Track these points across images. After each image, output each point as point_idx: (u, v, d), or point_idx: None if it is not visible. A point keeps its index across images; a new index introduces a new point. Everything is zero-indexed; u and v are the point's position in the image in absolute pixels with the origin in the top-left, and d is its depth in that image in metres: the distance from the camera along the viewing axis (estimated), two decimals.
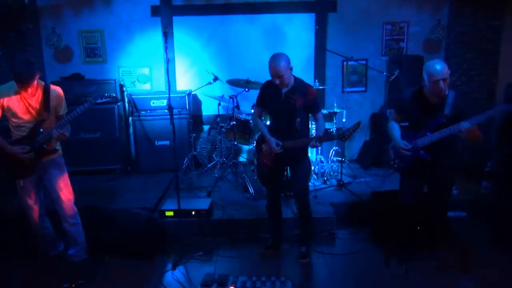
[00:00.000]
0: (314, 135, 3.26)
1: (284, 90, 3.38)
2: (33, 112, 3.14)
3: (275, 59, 3.27)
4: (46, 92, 3.16)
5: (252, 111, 4.89)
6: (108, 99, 3.29)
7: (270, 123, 3.67)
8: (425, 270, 3.41)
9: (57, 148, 3.31)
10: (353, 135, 3.22)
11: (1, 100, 3.08)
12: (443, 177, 3.30)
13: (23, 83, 2.99)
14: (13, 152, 3.11)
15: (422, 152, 3.16)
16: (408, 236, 3.47)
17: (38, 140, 3.15)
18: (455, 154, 3.27)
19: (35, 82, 3.07)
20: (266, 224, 3.94)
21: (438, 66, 2.99)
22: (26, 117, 3.13)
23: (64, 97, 3.29)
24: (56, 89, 3.22)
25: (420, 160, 3.19)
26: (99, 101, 3.23)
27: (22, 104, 3.11)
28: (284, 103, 3.36)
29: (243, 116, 4.97)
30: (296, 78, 3.41)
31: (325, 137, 3.49)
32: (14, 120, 3.14)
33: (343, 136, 3.24)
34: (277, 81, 3.30)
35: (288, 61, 3.29)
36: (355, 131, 3.20)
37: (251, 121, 4.81)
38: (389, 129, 3.47)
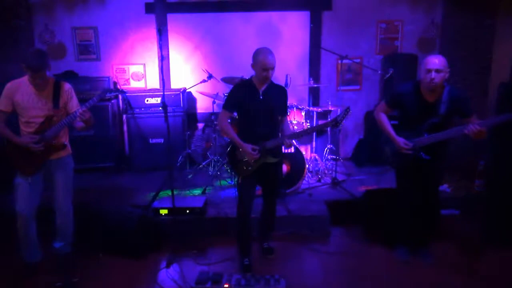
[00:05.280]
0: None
1: (261, 89, 3.23)
2: (43, 107, 3.12)
3: (268, 51, 3.10)
4: (57, 87, 3.15)
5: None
6: (117, 93, 3.30)
7: (243, 127, 3.34)
8: (421, 266, 3.44)
9: (65, 143, 3.28)
10: (343, 121, 3.16)
11: (12, 94, 3.07)
12: (435, 176, 3.34)
13: (35, 74, 2.96)
14: (22, 142, 3.08)
15: (422, 153, 3.14)
16: (408, 234, 3.53)
17: (47, 136, 3.13)
18: (448, 154, 3.29)
19: (47, 75, 3.05)
20: (238, 239, 3.49)
21: (434, 57, 3.03)
22: (35, 112, 3.11)
23: (74, 94, 3.26)
24: (67, 85, 3.22)
25: (418, 160, 3.18)
26: (108, 95, 3.23)
27: (32, 99, 3.09)
28: (263, 102, 3.22)
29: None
30: None
31: (307, 130, 3.43)
32: (23, 115, 3.13)
33: (335, 122, 3.10)
34: (265, 75, 3.09)
35: None
36: (345, 116, 3.15)
37: None
38: (381, 122, 3.36)
